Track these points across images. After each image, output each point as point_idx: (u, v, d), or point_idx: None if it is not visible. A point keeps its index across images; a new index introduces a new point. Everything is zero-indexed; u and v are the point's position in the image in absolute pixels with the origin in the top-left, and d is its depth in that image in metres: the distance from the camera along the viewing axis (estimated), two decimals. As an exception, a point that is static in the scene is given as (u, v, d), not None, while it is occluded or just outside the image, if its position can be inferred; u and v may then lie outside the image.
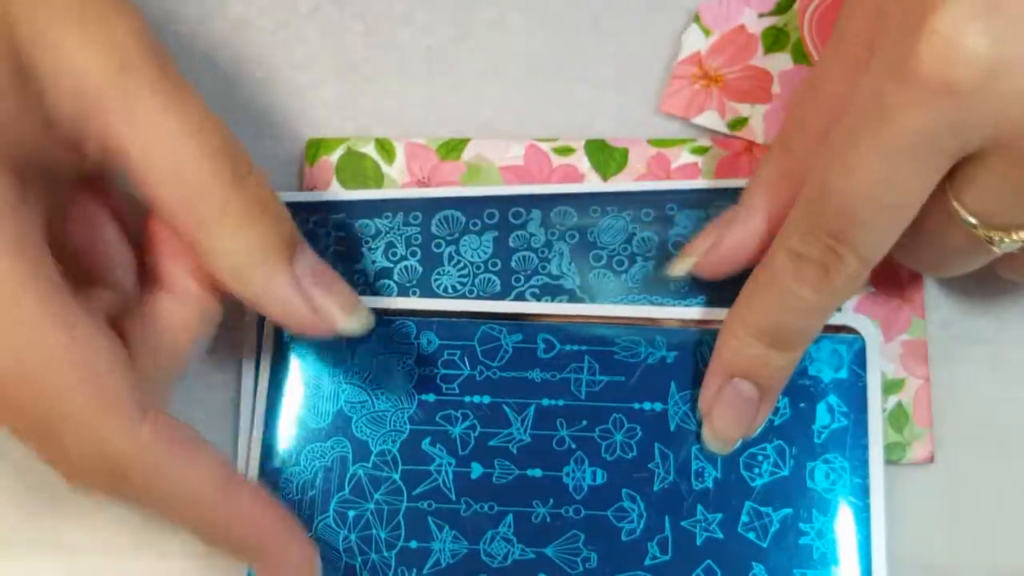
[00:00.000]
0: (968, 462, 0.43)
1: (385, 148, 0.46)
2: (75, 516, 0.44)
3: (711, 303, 0.43)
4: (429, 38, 0.48)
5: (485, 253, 0.45)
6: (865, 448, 0.41)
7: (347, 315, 0.40)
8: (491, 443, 0.42)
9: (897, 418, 0.43)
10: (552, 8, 0.48)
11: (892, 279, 0.44)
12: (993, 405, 0.44)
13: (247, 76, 0.48)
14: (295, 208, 0.45)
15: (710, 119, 0.46)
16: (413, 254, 0.45)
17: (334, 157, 0.46)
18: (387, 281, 0.45)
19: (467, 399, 0.42)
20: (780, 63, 0.46)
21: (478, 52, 0.48)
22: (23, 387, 0.35)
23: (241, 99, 0.47)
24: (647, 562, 0.41)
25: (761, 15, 0.47)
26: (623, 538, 0.41)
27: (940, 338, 0.44)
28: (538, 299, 0.44)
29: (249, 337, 0.44)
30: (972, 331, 0.44)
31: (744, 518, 0.41)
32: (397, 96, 0.47)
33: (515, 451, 0.42)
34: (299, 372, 0.43)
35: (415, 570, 0.41)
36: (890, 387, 0.43)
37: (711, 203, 0.45)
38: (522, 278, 0.44)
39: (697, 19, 0.47)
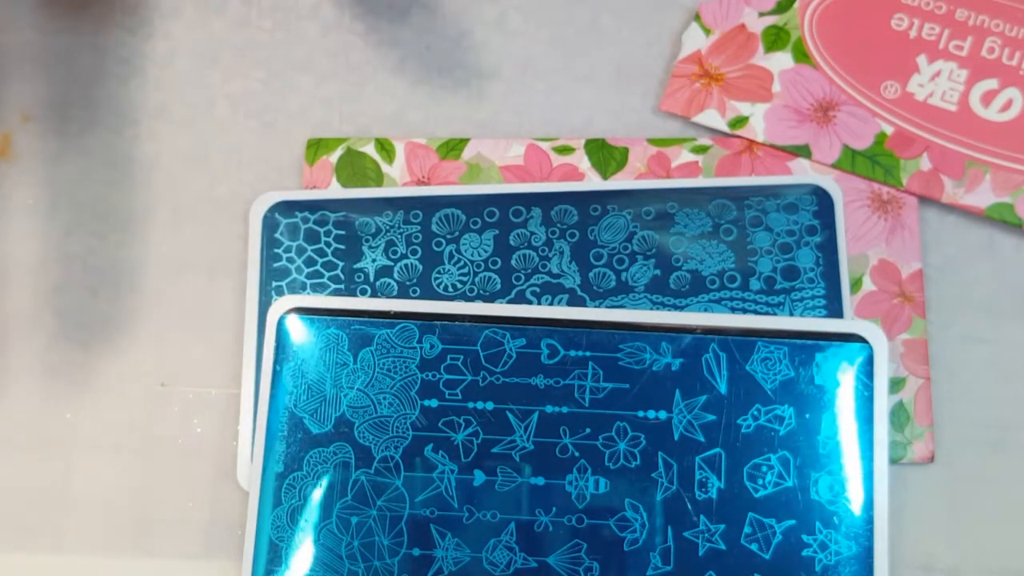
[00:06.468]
0: (968, 462, 0.43)
1: (385, 148, 0.46)
2: (75, 516, 0.44)
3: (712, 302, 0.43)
4: (429, 38, 0.47)
5: (485, 251, 0.45)
6: (870, 460, 0.41)
7: None
8: (494, 450, 0.42)
9: (898, 417, 0.43)
10: (552, 8, 0.48)
11: (892, 279, 0.44)
12: (993, 405, 0.44)
13: (247, 76, 0.47)
14: (296, 207, 0.45)
15: (710, 118, 0.46)
16: (414, 252, 0.45)
17: (334, 157, 0.46)
18: (387, 279, 0.45)
19: (470, 405, 0.42)
20: (780, 62, 0.46)
21: (478, 52, 0.47)
22: None
23: (242, 99, 0.47)
24: (649, 572, 0.41)
25: (761, 14, 0.47)
26: (625, 548, 0.41)
27: (940, 338, 0.44)
28: (538, 297, 0.44)
29: (250, 341, 0.44)
30: (972, 331, 0.44)
31: (747, 529, 0.41)
32: (397, 96, 0.47)
33: (518, 459, 0.42)
34: (302, 377, 0.43)
35: None
36: (891, 386, 0.43)
37: (711, 202, 0.45)
38: (522, 276, 0.44)
39: (698, 18, 0.47)
